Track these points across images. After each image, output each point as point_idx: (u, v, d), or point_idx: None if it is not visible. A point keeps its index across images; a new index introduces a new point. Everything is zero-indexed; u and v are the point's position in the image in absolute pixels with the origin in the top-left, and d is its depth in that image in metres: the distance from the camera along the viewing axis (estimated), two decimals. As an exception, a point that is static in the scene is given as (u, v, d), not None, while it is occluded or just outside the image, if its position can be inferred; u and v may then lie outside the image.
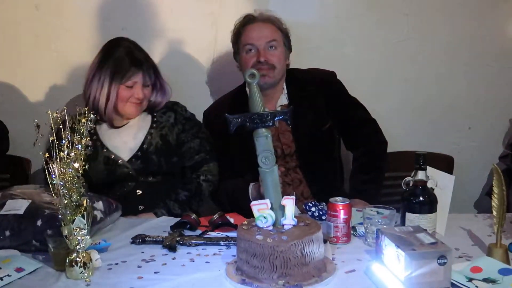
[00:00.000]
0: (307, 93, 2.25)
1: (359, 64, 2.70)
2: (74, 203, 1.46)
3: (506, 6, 2.69)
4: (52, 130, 1.44)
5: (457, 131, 2.78)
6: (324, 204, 1.86)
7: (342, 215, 1.64)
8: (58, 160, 1.44)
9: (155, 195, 2.15)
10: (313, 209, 1.89)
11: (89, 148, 1.53)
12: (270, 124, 1.45)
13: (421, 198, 1.60)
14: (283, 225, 1.45)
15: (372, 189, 2.16)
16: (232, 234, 1.71)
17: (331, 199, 1.67)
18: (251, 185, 2.11)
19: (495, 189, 1.49)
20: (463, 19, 2.68)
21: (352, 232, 1.69)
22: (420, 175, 1.61)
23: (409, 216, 1.60)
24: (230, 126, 1.46)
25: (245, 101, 1.54)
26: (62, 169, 1.44)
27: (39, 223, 1.63)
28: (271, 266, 1.35)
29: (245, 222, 1.51)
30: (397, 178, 1.94)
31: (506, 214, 1.51)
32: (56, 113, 1.45)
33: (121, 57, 2.10)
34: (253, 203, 1.45)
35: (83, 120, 1.49)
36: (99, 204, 1.82)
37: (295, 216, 1.46)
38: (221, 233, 1.76)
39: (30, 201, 1.70)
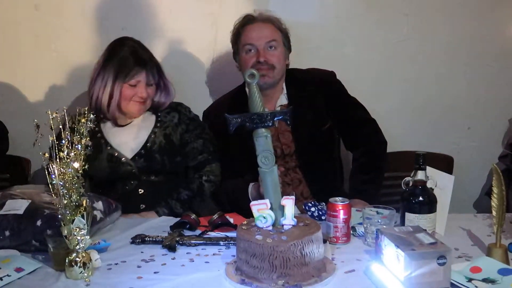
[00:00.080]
0: (307, 93, 2.25)
1: (359, 64, 2.70)
2: (74, 203, 1.46)
3: (506, 6, 2.69)
4: (52, 130, 1.44)
5: (457, 131, 2.78)
6: (324, 204, 1.86)
7: (341, 215, 1.64)
8: (58, 160, 1.44)
9: (157, 195, 2.15)
10: (312, 209, 1.89)
11: (89, 148, 1.53)
12: (270, 124, 1.45)
13: (420, 198, 1.61)
14: (282, 225, 1.45)
15: (372, 189, 2.16)
16: (232, 234, 1.70)
17: (331, 199, 1.67)
18: (251, 185, 2.11)
19: (495, 189, 1.49)
20: (463, 19, 2.68)
21: (351, 232, 1.69)
22: (420, 175, 1.61)
23: (409, 216, 1.61)
24: (229, 126, 1.46)
25: (245, 101, 1.54)
26: (62, 169, 1.44)
27: (38, 223, 1.63)
28: (271, 266, 1.35)
29: (245, 222, 1.51)
30: (396, 178, 1.94)
31: (506, 214, 1.51)
32: (56, 113, 1.45)
33: (125, 56, 2.11)
34: (252, 203, 1.45)
35: (83, 120, 1.50)
36: (99, 204, 1.82)
37: (294, 216, 1.46)
38: (221, 233, 1.76)
39: (29, 201, 1.70)
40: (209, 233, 1.77)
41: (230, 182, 2.23)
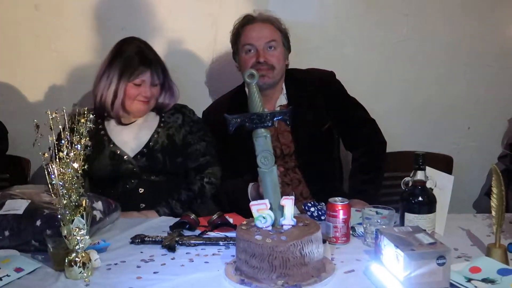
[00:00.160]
0: (306, 93, 2.25)
1: (358, 65, 2.71)
2: (73, 203, 1.46)
3: (506, 6, 2.69)
4: (52, 130, 1.45)
5: (457, 131, 2.78)
6: (323, 204, 1.86)
7: (341, 215, 1.64)
8: (57, 160, 1.44)
9: (157, 194, 2.16)
10: (312, 209, 1.89)
11: (89, 148, 1.53)
12: (269, 124, 1.45)
13: (420, 198, 1.61)
14: (282, 225, 1.45)
15: (372, 189, 2.16)
16: (231, 234, 1.70)
17: (330, 199, 1.67)
18: (251, 185, 2.11)
19: (494, 189, 1.48)
20: (463, 19, 2.68)
21: (351, 232, 1.69)
22: (419, 175, 1.61)
23: (408, 216, 1.60)
24: (229, 126, 1.46)
25: (244, 101, 1.54)
26: (61, 169, 1.44)
27: (38, 223, 1.63)
28: (270, 266, 1.35)
29: (244, 222, 1.51)
30: (396, 178, 1.94)
31: (505, 214, 1.51)
32: (56, 113, 1.45)
33: (131, 56, 2.13)
34: (252, 203, 1.45)
35: (82, 120, 1.50)
36: (98, 204, 1.82)
37: (294, 216, 1.46)
38: (220, 233, 1.76)
39: (29, 201, 1.70)
40: (208, 233, 1.77)
41: (230, 182, 2.23)
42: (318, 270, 1.41)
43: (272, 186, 1.47)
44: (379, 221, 1.62)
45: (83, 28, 2.68)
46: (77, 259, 1.44)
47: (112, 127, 2.22)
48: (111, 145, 2.17)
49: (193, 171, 2.24)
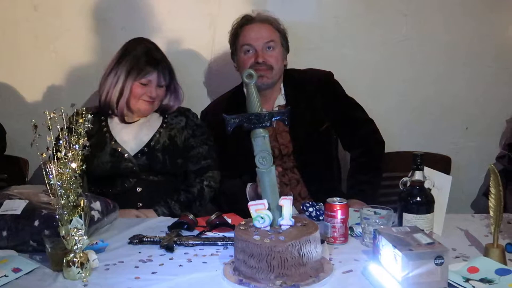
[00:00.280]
0: (305, 94, 2.25)
1: (357, 64, 2.70)
2: (72, 204, 1.46)
3: (505, 6, 2.69)
4: (50, 130, 1.44)
5: (455, 131, 2.78)
6: (322, 204, 1.86)
7: (339, 215, 1.64)
8: (55, 160, 1.44)
9: (155, 194, 2.16)
10: (310, 209, 1.89)
11: (87, 148, 1.53)
12: (268, 125, 1.45)
13: (418, 199, 1.61)
14: (280, 226, 1.45)
15: (370, 189, 2.16)
16: (230, 234, 1.70)
17: (329, 199, 1.67)
18: (249, 185, 2.12)
19: (492, 190, 1.48)
20: (462, 19, 2.68)
21: (349, 232, 1.69)
22: (418, 175, 1.62)
23: (406, 216, 1.61)
24: (227, 126, 1.46)
25: (243, 102, 1.55)
26: (59, 169, 1.44)
27: (36, 223, 1.63)
28: (269, 266, 1.36)
29: (243, 222, 1.51)
30: (394, 178, 1.93)
31: (503, 214, 1.51)
32: (54, 113, 1.45)
33: (138, 55, 2.14)
34: (250, 203, 1.45)
35: (81, 121, 1.50)
36: (97, 205, 1.82)
37: (292, 217, 1.46)
38: (219, 233, 1.76)
39: (27, 201, 1.70)
40: (207, 233, 1.77)
41: (228, 183, 2.23)
42: (316, 270, 1.41)
43: (270, 186, 1.47)
44: (377, 221, 1.62)
45: (83, 28, 2.68)
46: (75, 259, 1.44)
47: (114, 124, 2.23)
48: (113, 143, 2.18)
49: (193, 174, 2.25)
